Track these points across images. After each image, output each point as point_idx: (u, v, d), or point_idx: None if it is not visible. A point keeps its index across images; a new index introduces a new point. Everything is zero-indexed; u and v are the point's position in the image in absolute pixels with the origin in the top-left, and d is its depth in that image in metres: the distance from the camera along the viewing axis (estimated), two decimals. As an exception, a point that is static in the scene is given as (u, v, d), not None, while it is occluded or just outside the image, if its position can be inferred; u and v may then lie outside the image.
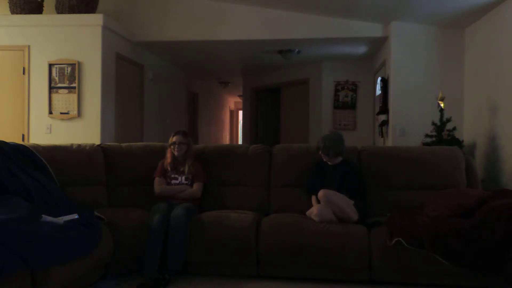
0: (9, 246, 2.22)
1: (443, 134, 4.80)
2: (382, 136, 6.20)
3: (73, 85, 5.31)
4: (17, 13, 5.47)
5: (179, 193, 3.68)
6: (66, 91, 5.32)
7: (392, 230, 3.09)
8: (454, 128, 4.85)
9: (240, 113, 12.81)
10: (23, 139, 5.32)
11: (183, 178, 3.74)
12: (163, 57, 7.49)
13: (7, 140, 3.49)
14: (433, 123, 4.91)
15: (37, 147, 3.67)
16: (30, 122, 5.36)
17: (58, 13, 5.47)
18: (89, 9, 5.48)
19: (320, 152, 3.64)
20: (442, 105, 4.89)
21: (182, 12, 6.10)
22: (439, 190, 3.49)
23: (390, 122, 5.76)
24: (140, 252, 3.28)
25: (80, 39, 5.34)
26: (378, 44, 6.37)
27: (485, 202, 3.06)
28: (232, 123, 14.98)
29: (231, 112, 14.92)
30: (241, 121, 10.50)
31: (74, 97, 5.31)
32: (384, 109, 5.96)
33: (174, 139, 3.75)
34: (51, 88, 5.33)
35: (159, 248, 3.22)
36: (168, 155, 3.77)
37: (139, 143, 4.23)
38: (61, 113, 5.33)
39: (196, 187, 3.73)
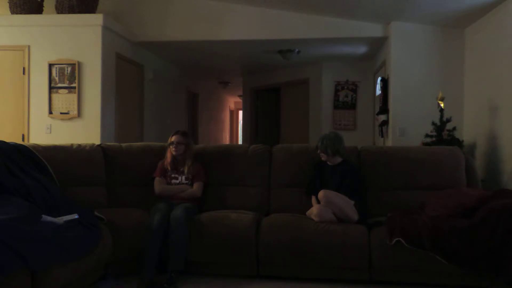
0: (9, 246, 2.22)
1: (443, 134, 4.80)
2: (382, 136, 6.20)
3: (73, 85, 5.31)
4: (17, 13, 5.47)
5: (179, 193, 3.68)
6: (66, 91, 5.32)
7: (392, 230, 3.09)
8: (454, 128, 4.84)
9: (240, 113, 12.81)
10: (23, 139, 5.32)
11: (183, 178, 3.75)
12: (163, 57, 7.49)
13: (7, 140, 3.48)
14: (433, 123, 4.91)
15: (37, 147, 3.67)
16: (30, 122, 5.36)
17: (58, 13, 5.47)
18: (89, 9, 5.48)
19: (318, 151, 3.65)
20: (442, 105, 4.89)
21: (182, 12, 6.10)
22: (439, 190, 3.49)
23: (390, 122, 5.75)
24: (140, 252, 3.28)
25: (80, 39, 5.34)
26: (378, 44, 6.37)
27: (485, 202, 3.06)
28: (232, 123, 14.98)
29: (231, 112, 14.91)
30: (241, 121, 10.50)
31: (74, 97, 5.30)
32: (384, 109, 5.96)
33: (173, 138, 3.76)
34: (51, 88, 5.32)
35: (157, 249, 3.20)
36: (168, 154, 3.77)
37: (139, 143, 4.23)
38: (61, 113, 5.33)
39: (196, 187, 3.73)
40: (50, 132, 5.33)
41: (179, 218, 3.28)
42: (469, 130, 5.40)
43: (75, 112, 5.31)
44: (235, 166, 3.91)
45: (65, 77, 5.31)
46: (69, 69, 5.31)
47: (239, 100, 13.19)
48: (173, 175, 3.76)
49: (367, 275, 3.18)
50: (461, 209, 3.08)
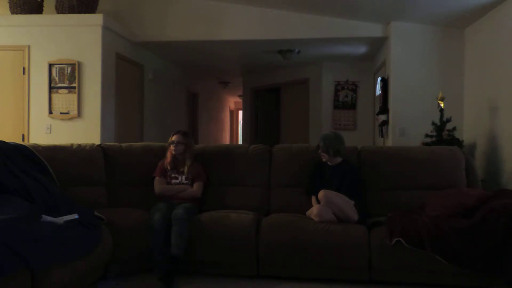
0: (9, 246, 2.22)
1: (443, 134, 4.80)
2: (382, 136, 6.20)
3: (73, 85, 5.31)
4: (17, 13, 5.47)
5: (179, 192, 3.68)
6: (66, 91, 5.32)
7: (393, 230, 3.09)
8: (454, 128, 4.85)
9: (240, 113, 12.81)
10: (23, 139, 5.32)
11: (183, 177, 3.75)
12: (163, 57, 7.49)
13: (7, 140, 3.48)
14: (433, 123, 4.91)
15: (37, 147, 3.67)
16: (30, 122, 5.36)
17: (58, 13, 5.47)
18: (89, 9, 5.48)
19: (319, 151, 3.65)
20: (442, 105, 4.89)
21: (182, 12, 6.10)
22: (439, 190, 3.49)
23: (390, 122, 5.75)
24: (140, 252, 3.29)
25: (80, 39, 5.34)
26: (378, 44, 6.37)
27: (485, 202, 3.06)
28: (232, 123, 14.98)
29: (231, 112, 14.91)
30: (241, 121, 10.50)
31: (74, 97, 5.30)
32: (384, 109, 5.96)
33: (173, 138, 3.76)
34: (51, 88, 5.32)
35: (162, 245, 3.22)
36: (168, 154, 3.78)
37: (139, 143, 4.23)
38: (61, 113, 5.33)
39: (197, 187, 3.73)
40: (50, 132, 5.33)
41: (180, 217, 3.29)
42: (469, 130, 5.40)
43: (75, 112, 5.31)
44: (235, 166, 3.91)
45: (65, 77, 5.31)
46: (69, 69, 5.31)
47: (239, 100, 13.19)
48: (173, 175, 3.76)
49: (367, 275, 3.18)
50: (461, 209, 3.08)
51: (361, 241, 3.15)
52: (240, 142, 13.55)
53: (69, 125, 5.33)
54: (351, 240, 3.15)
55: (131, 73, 6.36)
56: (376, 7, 5.33)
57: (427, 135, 4.94)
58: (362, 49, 6.76)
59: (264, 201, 3.86)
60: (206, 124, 10.95)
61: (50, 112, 5.33)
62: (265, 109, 9.60)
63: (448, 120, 4.86)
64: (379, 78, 6.30)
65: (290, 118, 8.69)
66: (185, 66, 8.46)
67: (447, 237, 2.91)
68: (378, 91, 6.42)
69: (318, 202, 3.46)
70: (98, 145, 3.99)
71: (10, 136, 5.11)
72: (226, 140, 13.87)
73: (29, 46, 5.36)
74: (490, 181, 4.70)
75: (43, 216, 2.74)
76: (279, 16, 5.97)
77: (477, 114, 5.21)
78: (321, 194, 3.39)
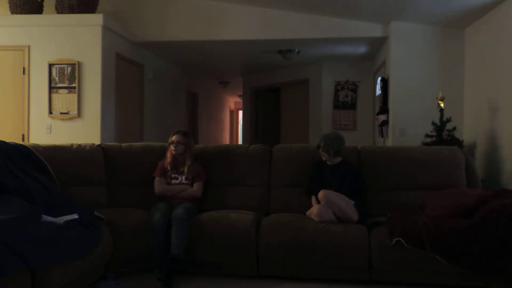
0: (9, 246, 2.22)
1: (443, 134, 4.80)
2: (382, 136, 6.20)
3: (73, 85, 5.31)
4: (17, 13, 5.48)
5: (179, 192, 3.68)
6: (66, 91, 5.32)
7: (393, 230, 3.09)
8: (454, 128, 4.85)
9: (240, 113, 12.81)
10: (23, 139, 5.32)
11: (183, 178, 3.75)
12: (163, 57, 7.49)
13: (7, 140, 3.49)
14: (433, 123, 4.91)
15: (37, 147, 3.67)
16: (30, 122, 5.36)
17: (58, 13, 5.47)
18: (89, 9, 5.48)
19: (320, 150, 3.64)
20: (442, 105, 4.89)
21: (182, 12, 6.10)
22: (439, 190, 3.49)
23: (390, 122, 5.75)
24: (140, 252, 3.29)
25: (80, 39, 5.34)
26: (378, 44, 6.37)
27: (485, 202, 3.06)
28: (232, 123, 14.98)
29: (231, 112, 14.91)
30: (241, 121, 10.50)
31: (74, 97, 5.30)
32: (384, 109, 5.96)
33: (173, 138, 3.77)
34: (51, 88, 5.32)
35: (162, 246, 3.22)
36: (168, 154, 3.78)
37: (139, 143, 4.23)
38: (61, 113, 5.33)
39: (197, 187, 3.73)
40: (50, 132, 5.33)
41: (180, 217, 3.29)
42: (469, 130, 5.40)
43: (75, 112, 5.31)
44: (235, 166, 3.91)
45: (65, 77, 5.31)
46: (69, 69, 5.31)
47: (239, 100, 13.19)
48: (173, 175, 3.76)
49: (367, 275, 3.18)
50: (461, 209, 3.08)
51: (361, 241, 3.15)
52: (240, 142, 13.55)
53: (69, 125, 5.33)
54: (351, 240, 3.15)
55: (131, 73, 6.36)
56: (376, 7, 5.33)
57: (427, 135, 4.94)
58: (362, 49, 6.76)
59: (264, 201, 3.86)
60: (206, 124, 10.96)
61: (50, 112, 5.33)
62: (265, 109, 9.60)
63: (448, 120, 4.86)
64: (379, 78, 6.30)
65: (290, 118, 8.69)
66: (185, 66, 8.46)
67: (447, 237, 2.91)
68: (378, 91, 6.42)
69: (318, 202, 3.46)
70: (98, 145, 3.99)
71: (10, 136, 5.11)
72: (226, 140, 13.87)
73: (29, 46, 5.36)
74: (490, 181, 4.70)
75: (43, 216, 2.74)
76: (279, 16, 5.97)
77: (477, 114, 5.21)
78: (321, 194, 3.39)
